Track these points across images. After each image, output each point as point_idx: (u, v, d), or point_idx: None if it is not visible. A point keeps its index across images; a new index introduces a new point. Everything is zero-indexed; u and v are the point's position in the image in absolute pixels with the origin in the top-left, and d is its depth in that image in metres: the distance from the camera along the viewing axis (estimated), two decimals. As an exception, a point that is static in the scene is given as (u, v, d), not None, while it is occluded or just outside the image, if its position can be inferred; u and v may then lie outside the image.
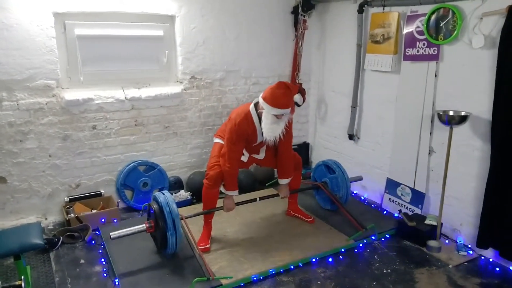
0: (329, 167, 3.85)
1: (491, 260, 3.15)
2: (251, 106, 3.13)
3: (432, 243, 3.28)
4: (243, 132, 3.09)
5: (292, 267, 3.05)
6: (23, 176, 3.53)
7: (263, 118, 3.02)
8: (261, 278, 2.93)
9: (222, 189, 3.24)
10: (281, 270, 3.00)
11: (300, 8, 4.43)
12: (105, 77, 3.80)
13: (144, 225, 3.02)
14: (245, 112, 3.11)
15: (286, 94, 2.93)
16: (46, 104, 3.49)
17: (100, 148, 3.82)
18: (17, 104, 3.39)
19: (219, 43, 4.19)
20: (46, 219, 3.70)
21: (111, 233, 2.90)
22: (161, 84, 4.04)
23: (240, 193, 4.25)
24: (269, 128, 3.00)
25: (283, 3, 4.47)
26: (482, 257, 3.20)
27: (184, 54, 4.04)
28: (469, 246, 3.30)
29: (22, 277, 2.44)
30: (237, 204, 3.36)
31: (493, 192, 3.00)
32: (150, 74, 4.01)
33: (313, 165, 5.07)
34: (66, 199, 3.73)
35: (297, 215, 3.74)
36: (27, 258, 3.05)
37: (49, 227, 3.63)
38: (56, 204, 3.73)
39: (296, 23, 4.53)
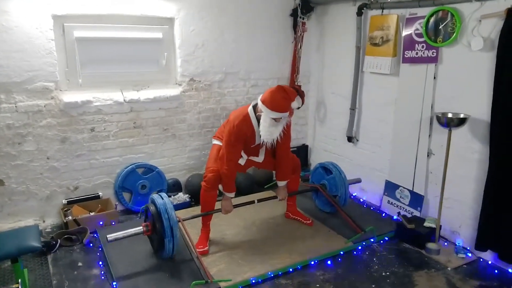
0: (326, 169, 3.85)
1: (490, 262, 3.15)
2: (250, 108, 3.13)
3: (431, 245, 3.28)
4: (241, 134, 3.09)
5: (291, 269, 3.04)
6: (21, 179, 3.52)
7: (261, 120, 3.02)
8: (260, 281, 2.91)
9: (220, 187, 3.23)
10: (280, 273, 2.99)
11: (299, 10, 4.44)
12: (104, 79, 3.79)
13: (141, 227, 3.01)
14: (244, 114, 3.11)
15: (285, 98, 2.92)
16: (44, 106, 3.49)
17: (99, 151, 3.82)
18: (16, 106, 3.38)
19: (218, 46, 4.19)
20: (44, 221, 3.69)
21: (107, 236, 2.89)
22: (160, 86, 4.03)
23: (238, 195, 4.27)
24: (267, 131, 3.00)
25: (282, 5, 4.47)
26: (481, 260, 3.19)
27: (183, 56, 4.04)
28: (468, 248, 3.30)
29: (20, 280, 2.43)
30: (235, 206, 3.35)
31: (492, 195, 2.99)
32: (149, 76, 4.01)
33: (312, 167, 5.07)
34: (64, 201, 3.72)
35: (296, 217, 3.73)
36: (24, 261, 3.03)
37: (47, 230, 3.62)
38: (54, 206, 3.72)
39: (295, 26, 4.54)
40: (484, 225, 3.07)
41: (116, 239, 2.90)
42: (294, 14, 4.51)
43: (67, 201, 3.72)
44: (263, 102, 2.96)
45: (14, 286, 2.35)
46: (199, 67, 4.15)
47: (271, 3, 4.39)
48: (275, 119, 2.96)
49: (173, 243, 2.89)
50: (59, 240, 3.31)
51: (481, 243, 3.12)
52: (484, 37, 2.96)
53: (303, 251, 3.22)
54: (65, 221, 3.48)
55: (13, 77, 3.31)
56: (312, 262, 3.12)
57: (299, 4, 4.44)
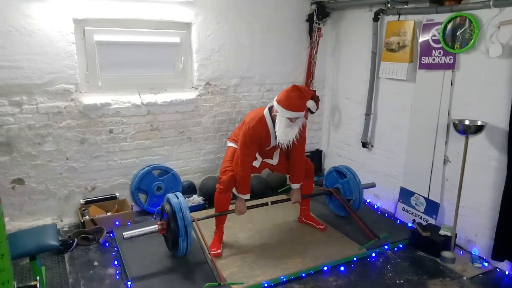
0: (340, 172, 3.83)
1: (506, 273, 3.09)
2: (266, 110, 3.14)
3: (446, 254, 3.23)
4: (256, 136, 3.10)
5: (303, 275, 3.04)
6: (40, 178, 3.61)
7: (277, 121, 3.02)
8: (272, 285, 2.92)
9: (234, 191, 3.24)
10: (292, 278, 3.00)
11: (315, 16, 4.45)
12: (123, 82, 3.87)
13: (156, 226, 3.04)
14: (259, 116, 3.12)
15: (301, 97, 2.93)
16: (64, 108, 3.57)
17: (116, 152, 3.89)
18: (37, 107, 3.47)
19: (234, 50, 4.24)
20: (61, 220, 3.77)
21: (124, 233, 2.94)
22: (176, 90, 4.09)
23: (252, 198, 4.29)
24: (283, 132, 3.00)
25: (298, 11, 4.49)
26: (498, 270, 3.14)
27: (200, 60, 4.09)
28: (484, 258, 3.24)
29: (37, 277, 2.47)
30: (249, 208, 3.36)
31: (510, 203, 2.95)
32: (166, 80, 4.07)
33: (326, 172, 5.05)
34: (82, 201, 3.79)
35: (309, 222, 3.73)
36: (42, 259, 3.11)
37: (64, 229, 3.69)
38: (72, 206, 3.80)
39: (311, 31, 4.55)
40: (501, 234, 3.02)
41: (132, 237, 2.95)
42: (310, 19, 4.52)
43: (85, 201, 3.80)
44: (278, 102, 2.97)
45: (32, 283, 2.39)
46: (215, 71, 4.19)
47: (287, 8, 4.41)
48: (290, 120, 2.97)
49: (187, 242, 2.92)
50: (76, 239, 3.38)
51: (498, 253, 3.07)
52: (503, 44, 2.92)
53: (316, 256, 3.22)
54: (82, 220, 3.55)
55: (34, 79, 3.40)
56: (325, 268, 3.11)
57: (315, 10, 4.45)
